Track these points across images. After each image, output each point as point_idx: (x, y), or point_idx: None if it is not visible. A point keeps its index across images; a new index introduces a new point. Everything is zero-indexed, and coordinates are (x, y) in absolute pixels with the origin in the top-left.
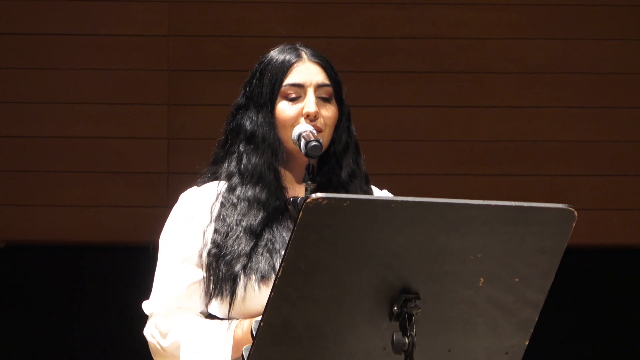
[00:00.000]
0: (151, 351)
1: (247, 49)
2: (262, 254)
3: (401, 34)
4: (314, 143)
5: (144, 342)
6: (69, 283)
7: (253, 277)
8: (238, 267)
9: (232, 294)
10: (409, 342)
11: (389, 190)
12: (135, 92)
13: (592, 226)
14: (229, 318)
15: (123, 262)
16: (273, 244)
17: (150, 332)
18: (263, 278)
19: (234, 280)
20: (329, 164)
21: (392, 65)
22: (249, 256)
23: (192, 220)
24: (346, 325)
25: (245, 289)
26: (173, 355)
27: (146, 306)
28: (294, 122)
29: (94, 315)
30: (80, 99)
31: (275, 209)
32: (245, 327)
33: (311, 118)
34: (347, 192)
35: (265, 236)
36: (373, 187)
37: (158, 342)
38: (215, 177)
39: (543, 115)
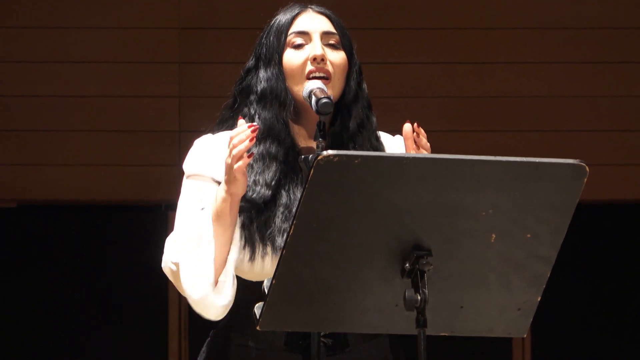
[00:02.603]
0: (172, 280)
1: (257, 6)
2: (279, 221)
3: None
4: (324, 100)
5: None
6: (80, 242)
7: (269, 248)
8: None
9: (251, 258)
10: (421, 299)
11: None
12: (146, 50)
13: (603, 182)
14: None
15: (135, 221)
16: (290, 210)
17: (163, 264)
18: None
19: (252, 245)
20: (340, 115)
21: (401, 22)
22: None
23: (210, 167)
24: (358, 283)
25: (262, 257)
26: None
27: (166, 242)
28: (302, 69)
29: (106, 274)
30: (92, 57)
31: (287, 161)
32: (216, 198)
33: (318, 61)
34: (354, 143)
35: (283, 199)
36: (386, 134)
37: (169, 268)
38: (229, 127)
39: (553, 71)
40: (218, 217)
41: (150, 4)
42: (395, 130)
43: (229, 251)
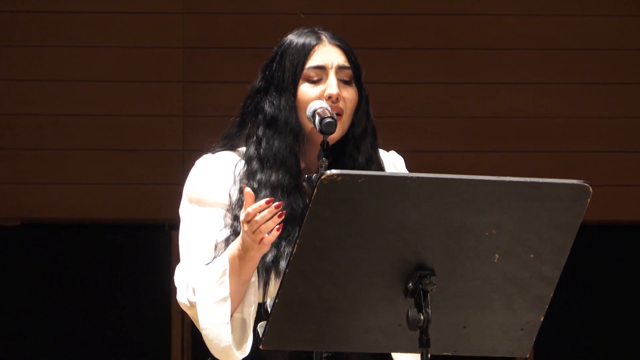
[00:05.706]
0: (188, 313)
1: (261, 25)
2: (282, 246)
3: (415, 10)
4: (328, 119)
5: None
6: (83, 261)
7: (273, 273)
8: (269, 258)
9: (266, 284)
10: (424, 319)
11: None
12: (150, 69)
13: (607, 202)
14: (263, 301)
15: (138, 239)
16: (293, 236)
17: (179, 298)
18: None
19: (267, 271)
20: (347, 147)
21: (406, 41)
22: (277, 246)
23: (213, 191)
24: (361, 302)
25: (274, 280)
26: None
27: (179, 275)
28: None
29: (109, 292)
30: (96, 76)
31: (294, 191)
32: (234, 246)
33: (333, 100)
34: None
35: (287, 226)
36: (381, 150)
37: (185, 304)
38: (231, 147)
39: (557, 92)
40: (237, 273)
41: (154, 24)
42: (399, 149)
43: (242, 297)
